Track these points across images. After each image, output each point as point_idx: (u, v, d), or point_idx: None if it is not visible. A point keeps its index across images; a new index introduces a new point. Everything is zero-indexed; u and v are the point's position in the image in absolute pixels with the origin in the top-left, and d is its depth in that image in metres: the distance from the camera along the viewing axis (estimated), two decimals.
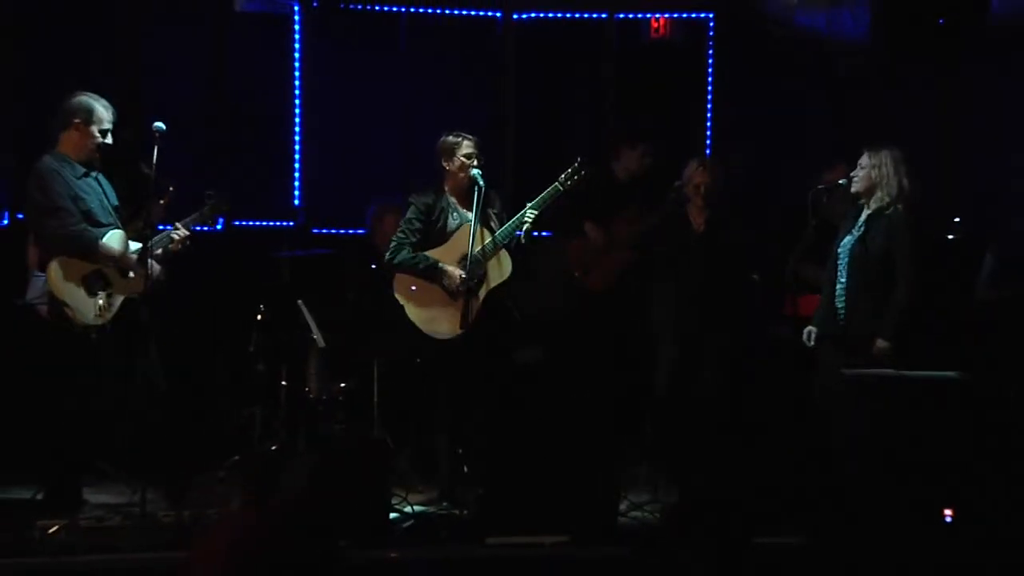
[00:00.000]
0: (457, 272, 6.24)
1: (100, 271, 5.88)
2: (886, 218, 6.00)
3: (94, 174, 6.01)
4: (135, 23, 7.62)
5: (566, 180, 6.32)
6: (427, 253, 6.32)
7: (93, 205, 5.92)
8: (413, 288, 6.30)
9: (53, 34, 7.47)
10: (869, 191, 6.04)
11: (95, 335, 5.81)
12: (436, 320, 6.26)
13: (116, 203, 6.06)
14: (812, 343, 6.15)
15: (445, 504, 6.22)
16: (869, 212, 6.05)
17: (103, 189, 6.03)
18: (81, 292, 5.82)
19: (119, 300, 5.91)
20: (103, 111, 5.94)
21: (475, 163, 6.26)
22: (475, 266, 6.18)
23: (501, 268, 6.24)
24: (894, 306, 5.91)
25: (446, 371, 6.32)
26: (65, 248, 5.84)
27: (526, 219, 6.23)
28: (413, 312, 6.28)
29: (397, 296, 6.32)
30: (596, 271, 7.14)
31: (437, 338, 6.25)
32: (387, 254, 6.39)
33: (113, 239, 5.94)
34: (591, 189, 6.71)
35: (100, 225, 5.93)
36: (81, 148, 5.94)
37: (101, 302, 5.81)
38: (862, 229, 6.07)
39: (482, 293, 6.25)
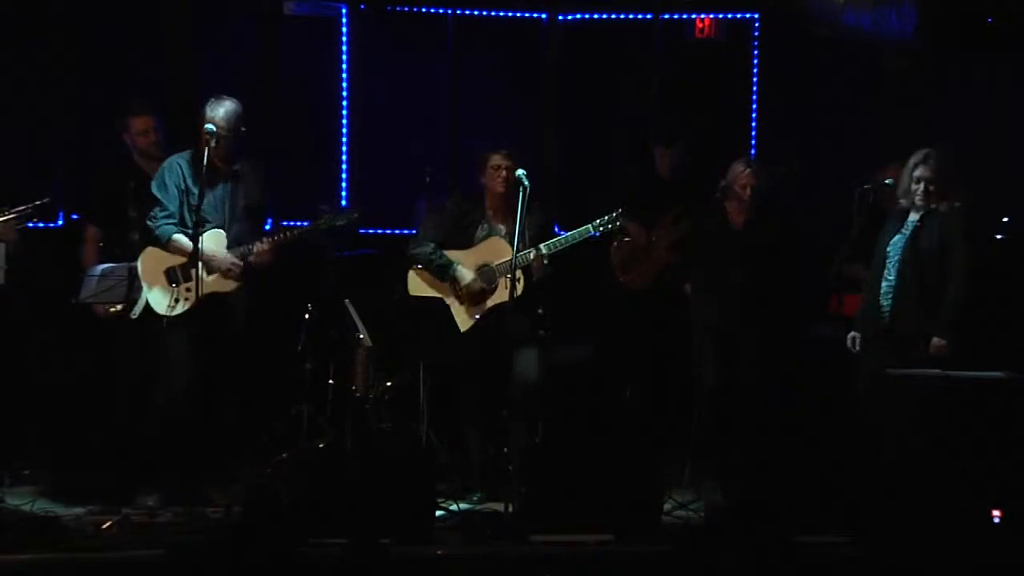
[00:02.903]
0: (468, 276, 6.31)
1: (184, 266, 6.07)
2: (940, 216, 5.96)
3: (227, 172, 6.17)
4: (187, 25, 7.72)
5: (599, 226, 6.29)
6: (447, 253, 6.40)
7: (202, 202, 6.06)
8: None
9: (106, 38, 7.58)
10: (936, 197, 5.98)
11: (165, 323, 6.04)
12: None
13: (247, 204, 6.19)
14: (857, 348, 6.12)
15: (476, 498, 6.28)
16: (922, 212, 6.01)
17: (230, 189, 6.16)
18: (161, 282, 6.10)
19: (198, 294, 6.03)
20: (221, 111, 6.07)
21: (503, 174, 6.27)
22: (490, 274, 6.28)
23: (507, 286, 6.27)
24: (950, 303, 5.88)
25: (472, 371, 6.41)
26: (148, 239, 6.18)
27: (533, 255, 6.20)
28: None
29: (411, 291, 6.43)
30: (637, 270, 7.17)
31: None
32: (410, 245, 6.50)
33: (206, 239, 6.05)
34: (634, 189, 6.72)
35: (204, 223, 6.04)
36: (208, 149, 6.09)
37: (176, 294, 6.03)
38: (912, 227, 6.02)
39: (489, 303, 6.30)
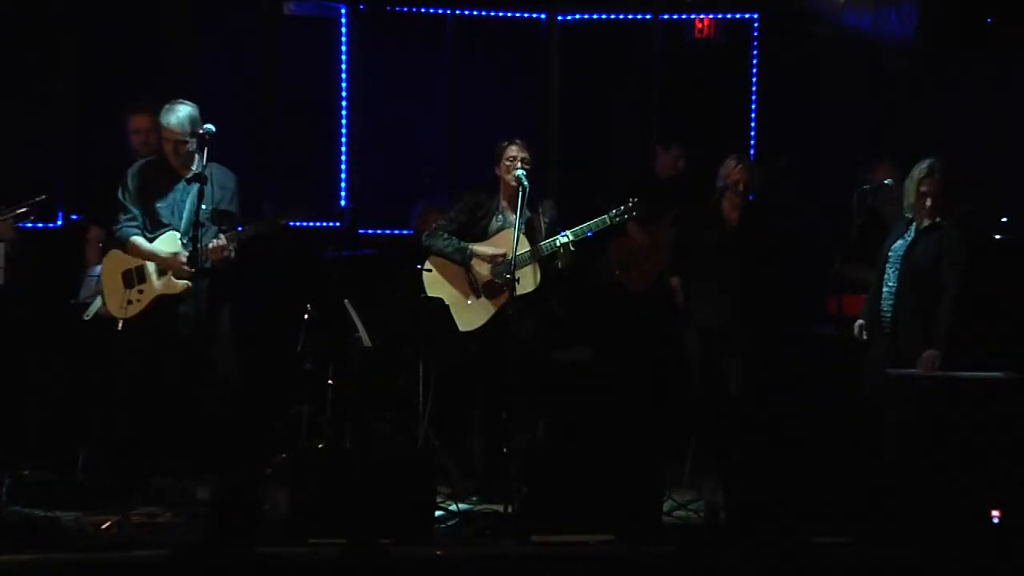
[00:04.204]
0: (486, 265, 6.34)
1: (141, 267, 6.12)
2: (941, 229, 5.93)
3: (188, 176, 6.15)
4: (187, 26, 7.72)
5: (615, 216, 6.32)
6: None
7: (160, 205, 6.13)
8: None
9: (107, 37, 7.58)
10: (942, 209, 5.97)
11: (120, 325, 6.04)
12: (457, 310, 6.39)
13: (209, 207, 6.12)
14: (864, 336, 6.11)
15: (475, 498, 6.29)
16: (926, 223, 5.99)
17: (192, 193, 6.12)
18: (117, 284, 6.12)
19: (149, 297, 6.09)
20: (174, 119, 6.07)
21: (519, 165, 6.28)
22: (506, 268, 6.26)
23: (533, 279, 6.28)
24: (940, 317, 5.84)
25: (476, 370, 6.42)
26: (113, 242, 6.22)
27: (559, 242, 6.24)
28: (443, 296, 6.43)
29: (425, 282, 6.44)
30: (636, 271, 7.17)
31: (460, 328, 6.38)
32: (424, 236, 6.52)
33: (162, 241, 6.11)
34: (634, 189, 6.72)
35: (161, 226, 6.12)
36: (168, 153, 6.16)
37: (129, 296, 6.06)
38: (913, 236, 6.00)
39: (507, 294, 6.31)
